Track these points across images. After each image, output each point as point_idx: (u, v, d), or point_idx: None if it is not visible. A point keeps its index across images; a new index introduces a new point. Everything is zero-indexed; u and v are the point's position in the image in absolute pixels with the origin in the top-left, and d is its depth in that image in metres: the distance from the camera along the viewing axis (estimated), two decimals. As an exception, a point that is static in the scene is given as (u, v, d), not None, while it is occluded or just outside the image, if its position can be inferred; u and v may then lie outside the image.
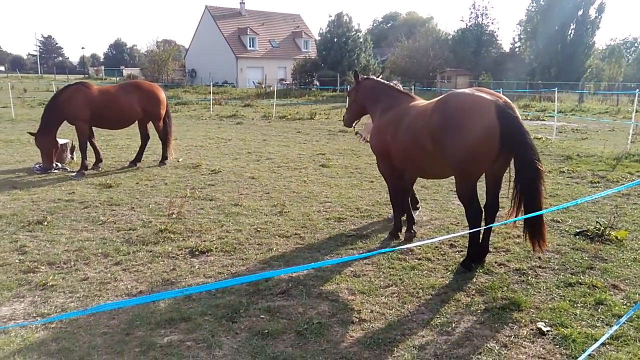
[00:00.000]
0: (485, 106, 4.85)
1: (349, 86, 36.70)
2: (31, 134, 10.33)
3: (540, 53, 51.58)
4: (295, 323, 4.21)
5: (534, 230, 5.01)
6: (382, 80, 6.62)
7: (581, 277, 5.17)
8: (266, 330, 4.07)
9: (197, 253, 5.81)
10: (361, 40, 54.31)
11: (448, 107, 5.03)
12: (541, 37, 50.82)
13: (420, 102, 5.94)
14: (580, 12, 49.29)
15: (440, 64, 55.77)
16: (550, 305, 4.52)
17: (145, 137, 11.36)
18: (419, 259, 5.66)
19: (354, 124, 7.28)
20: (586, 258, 5.70)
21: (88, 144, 10.51)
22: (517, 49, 60.52)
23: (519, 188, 4.99)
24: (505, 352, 3.81)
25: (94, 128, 10.77)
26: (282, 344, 3.91)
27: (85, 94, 10.26)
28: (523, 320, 4.27)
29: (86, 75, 70.56)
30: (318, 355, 3.74)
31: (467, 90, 5.22)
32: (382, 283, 5.03)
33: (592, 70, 54.26)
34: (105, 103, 10.37)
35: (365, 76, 6.95)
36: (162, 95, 11.16)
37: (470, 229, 5.25)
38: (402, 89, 6.47)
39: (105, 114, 10.42)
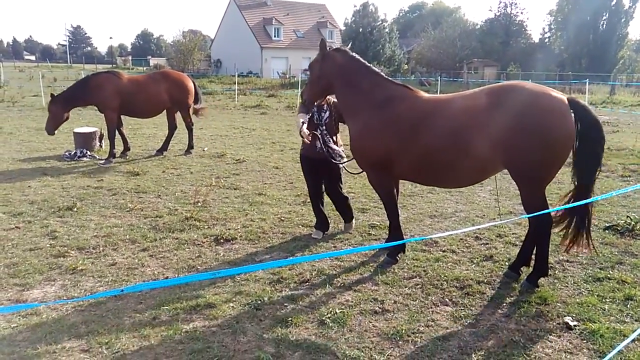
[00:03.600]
0: (561, 101, 4.23)
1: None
2: (52, 95, 10.43)
3: (571, 44, 50.39)
4: (317, 312, 4.24)
5: (579, 233, 4.58)
6: (359, 58, 5.21)
7: (610, 272, 5.06)
8: (289, 318, 4.10)
9: (222, 241, 5.87)
10: (387, 30, 53.86)
11: (517, 104, 4.23)
12: (572, 27, 49.60)
13: (425, 95, 4.97)
14: (613, 2, 47.97)
15: (467, 55, 54.93)
16: (577, 300, 4.44)
17: (172, 127, 11.50)
18: (444, 251, 5.62)
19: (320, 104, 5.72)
20: (616, 253, 5.58)
21: (117, 132, 10.70)
22: (546, 40, 59.17)
23: (577, 188, 4.50)
24: (531, 345, 3.76)
25: (122, 117, 10.97)
26: (305, 332, 3.94)
27: (115, 83, 10.46)
28: (550, 314, 4.20)
29: (114, 65, 71.64)
30: (341, 344, 3.75)
31: (526, 83, 4.49)
32: (405, 274, 5.01)
33: (624, 61, 52.77)
34: (134, 92, 10.56)
35: (335, 47, 5.43)
36: (190, 84, 11.27)
37: (541, 242, 4.63)
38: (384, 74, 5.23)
39: (134, 102, 10.60)
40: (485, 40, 58.15)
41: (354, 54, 5.26)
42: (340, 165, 5.91)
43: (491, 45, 58.02)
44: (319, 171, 5.95)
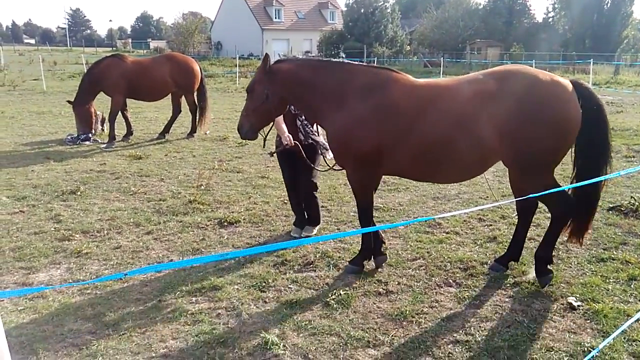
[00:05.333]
0: (567, 85, 4.04)
1: (375, 58, 35.74)
2: (69, 102, 10.63)
3: (575, 23, 49.74)
4: (322, 294, 4.26)
5: (583, 222, 4.39)
6: (313, 58, 4.81)
7: (614, 252, 5.06)
8: (294, 300, 4.12)
9: (225, 224, 5.88)
10: (389, 10, 53.23)
11: (525, 91, 3.96)
12: (576, 6, 48.91)
13: (417, 80, 4.45)
14: (618, -20, 47.17)
15: (470, 35, 54.28)
16: (581, 281, 4.45)
17: (176, 110, 11.46)
18: (447, 233, 5.63)
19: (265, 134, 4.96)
20: (619, 233, 5.57)
21: (120, 115, 10.72)
22: (550, 19, 58.41)
23: (582, 172, 4.26)
24: (535, 325, 3.78)
25: (127, 100, 10.95)
26: (310, 313, 3.96)
27: (120, 66, 10.48)
28: (553, 295, 4.22)
29: (114, 48, 71.09)
30: (345, 325, 3.78)
31: (529, 68, 4.22)
32: (409, 256, 5.02)
33: (629, 41, 52.15)
34: (139, 75, 10.58)
35: (281, 58, 4.94)
36: (196, 68, 11.21)
37: (555, 230, 4.36)
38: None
39: (140, 85, 10.61)
40: (488, 21, 57.42)
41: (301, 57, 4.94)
42: (324, 159, 5.33)
43: (494, 26, 57.30)
44: (297, 162, 5.34)
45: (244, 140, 4.88)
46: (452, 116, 4.07)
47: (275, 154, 5.46)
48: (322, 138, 5.32)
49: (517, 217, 4.76)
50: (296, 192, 5.60)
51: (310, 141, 5.29)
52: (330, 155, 5.18)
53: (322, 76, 4.41)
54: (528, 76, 4.06)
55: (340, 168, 4.88)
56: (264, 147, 5.06)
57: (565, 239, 4.62)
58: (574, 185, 4.10)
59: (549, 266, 4.40)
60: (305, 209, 5.66)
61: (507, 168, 4.32)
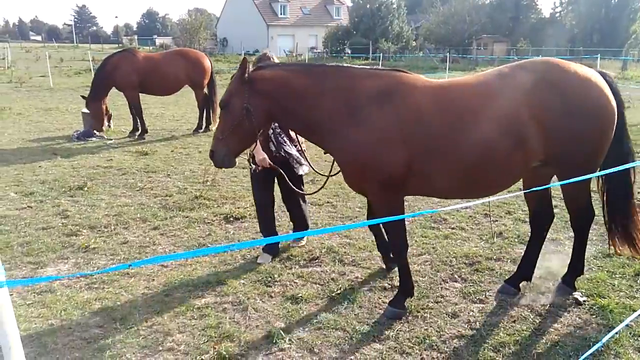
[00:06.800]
0: (598, 76, 3.69)
1: (381, 54, 35.54)
2: (83, 97, 10.78)
3: (582, 18, 49.39)
4: (327, 289, 4.27)
5: (629, 231, 4.05)
6: (299, 62, 4.24)
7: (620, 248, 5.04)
8: (300, 295, 4.14)
9: (231, 219, 5.91)
10: (394, 6, 53.09)
11: (558, 80, 3.55)
12: (583, 1, 48.60)
13: (429, 79, 3.80)
14: (626, -26, 46.80)
15: (477, 31, 54.05)
16: (587, 276, 4.44)
17: (202, 103, 11.48)
18: (453, 228, 5.63)
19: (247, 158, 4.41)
20: (626, 229, 5.54)
21: (129, 111, 10.88)
22: (557, 15, 58.03)
23: (612, 178, 3.95)
24: (540, 320, 3.78)
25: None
26: (315, 308, 3.98)
27: (132, 61, 10.61)
28: (559, 290, 4.21)
29: (120, 45, 71.25)
30: (351, 319, 3.79)
31: (553, 58, 3.83)
32: (414, 251, 5.03)
33: (637, 36, 51.72)
34: (151, 70, 10.72)
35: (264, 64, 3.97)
36: (207, 63, 11.32)
37: (579, 243, 4.07)
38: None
39: (151, 80, 10.76)
40: (494, 16, 57.12)
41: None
42: (300, 174, 4.76)
43: (501, 21, 57.01)
44: (272, 176, 4.69)
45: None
46: (488, 117, 3.49)
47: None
48: (294, 150, 4.70)
49: (530, 231, 4.32)
50: (270, 210, 4.99)
51: (282, 153, 4.60)
52: (303, 170, 4.72)
53: (319, 84, 3.62)
54: (560, 66, 3.63)
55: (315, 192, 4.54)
56: (249, 165, 4.45)
57: (613, 250, 4.27)
58: (604, 172, 3.73)
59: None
60: (296, 220, 5.17)
61: (546, 173, 3.90)
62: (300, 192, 4.72)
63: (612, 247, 4.22)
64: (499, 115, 3.48)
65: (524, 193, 3.65)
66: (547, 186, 3.47)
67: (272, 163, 4.46)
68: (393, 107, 3.52)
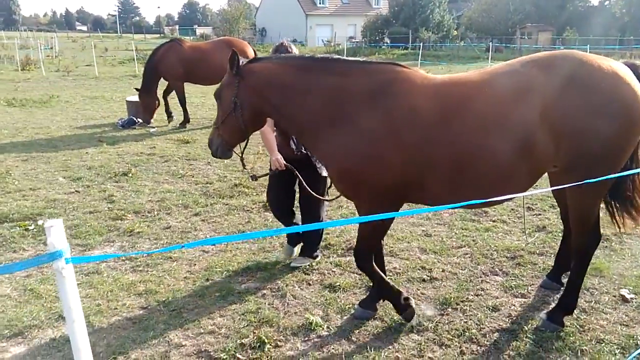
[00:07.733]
0: (627, 70, 3.21)
1: (422, 44, 35.01)
2: (137, 89, 11.03)
3: (633, 6, 47.27)
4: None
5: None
6: (294, 54, 4.07)
7: (672, 245, 4.85)
8: (337, 284, 4.16)
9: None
10: (436, -5, 52.04)
11: (576, 77, 3.10)
12: (635, -12, 46.50)
13: (429, 75, 3.37)
14: (683, -41, 44.44)
15: (521, 19, 52.48)
16: (635, 273, 4.29)
17: None
18: (494, 221, 5.52)
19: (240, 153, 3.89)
20: (678, 226, 5.32)
21: (161, 99, 11.12)
22: (607, 2, 55.75)
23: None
24: (585, 317, 3.68)
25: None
26: (353, 297, 3.99)
27: (177, 51, 10.82)
28: (605, 287, 4.09)
29: (162, 35, 72.71)
30: (388, 310, 3.78)
31: (574, 51, 3.36)
32: (454, 243, 4.97)
33: (692, 24, 49.19)
34: (196, 59, 10.89)
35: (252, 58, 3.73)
36: (250, 52, 11.41)
37: (578, 271, 3.57)
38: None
39: (197, 70, 10.94)
40: (540, 4, 55.27)
41: (291, 48, 4.15)
42: (325, 175, 4.21)
43: (546, 9, 55.12)
44: (292, 174, 4.21)
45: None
46: (492, 121, 3.12)
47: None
48: None
49: (563, 229, 4.08)
50: (288, 208, 4.61)
51: (304, 150, 4.22)
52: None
53: (307, 78, 3.34)
54: (580, 60, 3.17)
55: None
56: (243, 168, 4.09)
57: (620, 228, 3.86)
58: (612, 176, 3.09)
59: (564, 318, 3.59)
60: (307, 237, 4.55)
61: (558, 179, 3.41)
62: (318, 196, 4.11)
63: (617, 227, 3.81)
64: (501, 120, 3.11)
65: (552, 191, 3.38)
66: (561, 187, 3.14)
67: (287, 163, 4.12)
68: (385, 109, 3.19)
